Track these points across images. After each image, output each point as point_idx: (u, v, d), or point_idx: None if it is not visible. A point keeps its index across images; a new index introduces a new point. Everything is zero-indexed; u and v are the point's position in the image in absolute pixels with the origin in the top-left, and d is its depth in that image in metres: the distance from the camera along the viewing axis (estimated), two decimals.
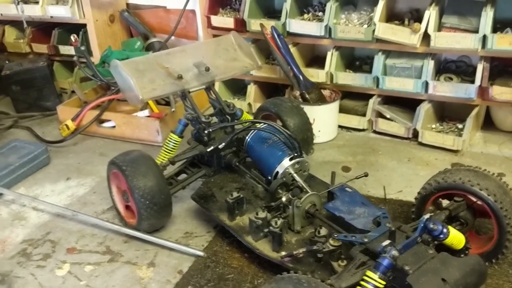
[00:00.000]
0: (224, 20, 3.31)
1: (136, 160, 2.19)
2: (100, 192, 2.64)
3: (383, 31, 2.84)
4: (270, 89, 3.54)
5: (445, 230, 1.69)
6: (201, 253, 2.12)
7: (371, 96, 3.09)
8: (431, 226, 1.68)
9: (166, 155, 2.44)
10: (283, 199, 2.01)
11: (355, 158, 2.85)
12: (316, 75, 3.14)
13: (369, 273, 1.55)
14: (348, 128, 3.17)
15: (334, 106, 3.03)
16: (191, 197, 2.30)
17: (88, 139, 3.27)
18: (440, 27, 2.84)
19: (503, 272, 1.91)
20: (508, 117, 2.98)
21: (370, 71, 3.05)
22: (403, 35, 2.80)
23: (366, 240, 1.71)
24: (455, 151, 2.82)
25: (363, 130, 3.14)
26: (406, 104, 3.05)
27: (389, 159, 2.82)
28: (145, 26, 3.82)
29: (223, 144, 2.23)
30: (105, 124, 3.29)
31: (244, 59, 2.60)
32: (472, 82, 2.81)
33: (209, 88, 2.48)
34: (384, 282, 1.53)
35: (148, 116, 3.20)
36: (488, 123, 3.07)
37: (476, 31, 2.71)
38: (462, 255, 1.74)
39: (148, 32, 3.79)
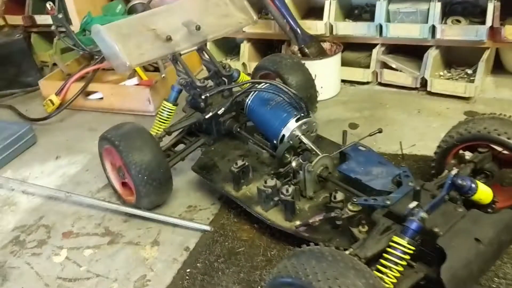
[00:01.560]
0: None
1: (129, 134, 2.01)
2: (93, 169, 2.47)
3: None
4: (264, 47, 3.32)
5: (473, 186, 1.56)
6: (207, 228, 1.97)
7: (374, 46, 2.89)
8: (459, 182, 1.54)
9: (161, 125, 2.25)
10: (293, 164, 1.84)
11: (362, 114, 2.68)
12: (314, 28, 2.93)
13: (396, 238, 1.40)
14: (351, 82, 2.99)
15: (336, 59, 2.83)
16: (191, 169, 2.13)
17: (75, 113, 3.08)
18: None
19: None
20: None
21: (370, 20, 2.85)
22: None
23: (389, 202, 1.56)
24: (467, 99, 2.65)
25: (367, 83, 2.96)
26: (411, 53, 2.87)
27: (398, 112, 2.65)
28: None
29: (223, 109, 2.04)
30: (92, 96, 3.09)
31: (237, 14, 2.37)
32: (481, 23, 2.62)
33: (201, 49, 2.27)
34: (413, 248, 1.39)
35: (137, 85, 3.00)
36: (497, 67, 2.89)
37: None
38: (489, 210, 1.62)
39: None
